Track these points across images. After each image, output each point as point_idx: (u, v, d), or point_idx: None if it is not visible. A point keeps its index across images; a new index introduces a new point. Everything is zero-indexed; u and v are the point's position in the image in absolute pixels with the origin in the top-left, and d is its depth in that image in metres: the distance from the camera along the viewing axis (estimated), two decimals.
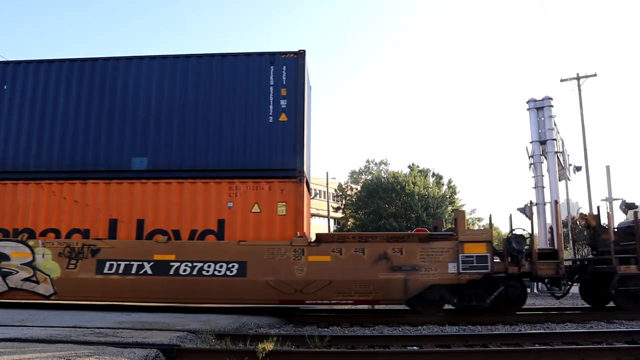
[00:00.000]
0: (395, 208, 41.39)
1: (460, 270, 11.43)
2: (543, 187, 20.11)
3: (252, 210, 12.11)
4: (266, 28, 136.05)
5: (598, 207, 13.93)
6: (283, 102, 12.64)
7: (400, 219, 40.65)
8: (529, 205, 21.65)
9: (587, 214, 13.24)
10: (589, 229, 13.02)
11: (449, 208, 43.21)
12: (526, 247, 11.89)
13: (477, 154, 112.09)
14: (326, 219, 47.69)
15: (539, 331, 9.04)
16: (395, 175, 44.91)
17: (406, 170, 46.60)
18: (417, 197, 41.71)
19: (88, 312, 11.18)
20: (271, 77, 12.75)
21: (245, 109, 12.71)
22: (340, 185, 53.32)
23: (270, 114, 12.60)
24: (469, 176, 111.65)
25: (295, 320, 11.00)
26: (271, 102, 12.66)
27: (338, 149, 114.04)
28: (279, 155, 12.38)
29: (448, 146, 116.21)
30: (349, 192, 50.86)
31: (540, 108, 20.21)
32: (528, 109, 20.49)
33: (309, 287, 11.39)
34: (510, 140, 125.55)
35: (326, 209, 47.39)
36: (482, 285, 11.60)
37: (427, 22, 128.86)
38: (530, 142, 20.44)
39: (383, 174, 51.97)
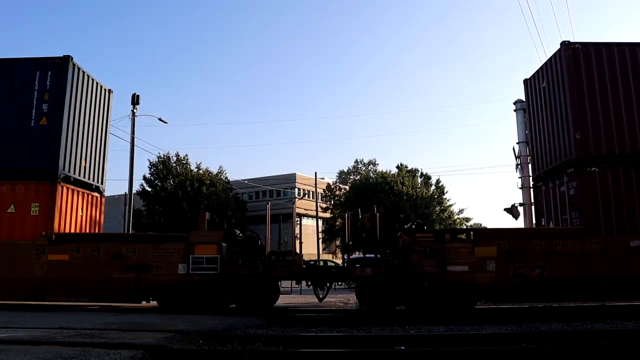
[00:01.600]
0: (383, 208, 41.45)
1: (190, 271, 11.67)
2: (530, 188, 20.25)
3: (8, 211, 12.68)
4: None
5: (374, 208, 13.82)
6: (45, 107, 13.21)
7: (389, 219, 40.65)
8: (516, 205, 21.98)
9: (364, 216, 12.93)
10: (366, 230, 12.74)
11: (437, 208, 43.38)
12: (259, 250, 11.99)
13: (469, 154, 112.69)
14: (314, 219, 47.74)
15: (527, 331, 9.11)
16: (383, 175, 45.02)
17: (395, 171, 46.77)
18: (405, 197, 41.84)
19: (75, 313, 11.10)
20: (36, 82, 13.33)
21: (8, 113, 13.26)
22: (328, 186, 53.40)
23: (32, 117, 13.17)
24: (460, 176, 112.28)
25: (283, 321, 10.98)
26: (34, 106, 13.23)
27: (327, 149, 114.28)
28: (36, 158, 12.96)
29: (438, 146, 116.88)
30: (337, 193, 50.92)
31: (527, 109, 20.32)
32: (515, 110, 20.60)
33: (48, 285, 11.70)
34: (502, 140, 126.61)
35: (315, 209, 47.45)
36: (220, 285, 11.74)
37: (420, 22, 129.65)
38: (517, 143, 20.55)
39: (371, 174, 52.06)
